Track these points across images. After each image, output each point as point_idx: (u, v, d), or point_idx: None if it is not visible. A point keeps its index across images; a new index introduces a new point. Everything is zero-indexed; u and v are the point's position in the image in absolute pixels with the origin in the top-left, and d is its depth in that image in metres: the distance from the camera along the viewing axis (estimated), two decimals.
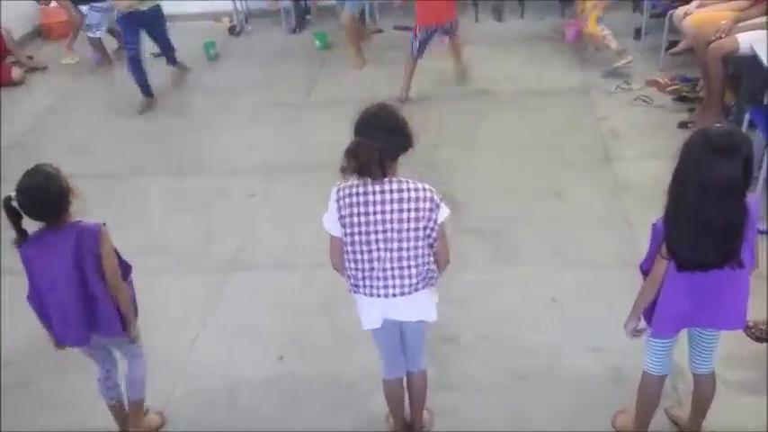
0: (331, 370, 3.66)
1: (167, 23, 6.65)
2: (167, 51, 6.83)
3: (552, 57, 6.82)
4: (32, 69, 7.58)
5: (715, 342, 2.82)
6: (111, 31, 7.30)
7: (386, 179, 2.60)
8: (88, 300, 2.87)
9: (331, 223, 2.70)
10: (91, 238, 2.81)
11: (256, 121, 6.21)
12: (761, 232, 2.66)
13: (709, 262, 2.48)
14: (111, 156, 5.83)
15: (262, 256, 4.57)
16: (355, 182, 2.62)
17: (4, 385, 3.70)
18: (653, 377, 2.89)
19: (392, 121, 2.63)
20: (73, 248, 2.78)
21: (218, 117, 6.30)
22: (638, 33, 6.91)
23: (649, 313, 2.76)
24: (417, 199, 2.60)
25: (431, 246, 2.68)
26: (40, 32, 8.44)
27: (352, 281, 2.76)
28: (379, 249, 2.65)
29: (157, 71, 6.88)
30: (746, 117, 4.60)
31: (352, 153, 2.54)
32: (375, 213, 2.61)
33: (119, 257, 2.96)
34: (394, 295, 2.71)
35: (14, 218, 2.76)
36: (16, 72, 7.31)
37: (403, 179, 2.63)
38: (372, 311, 2.81)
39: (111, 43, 7.56)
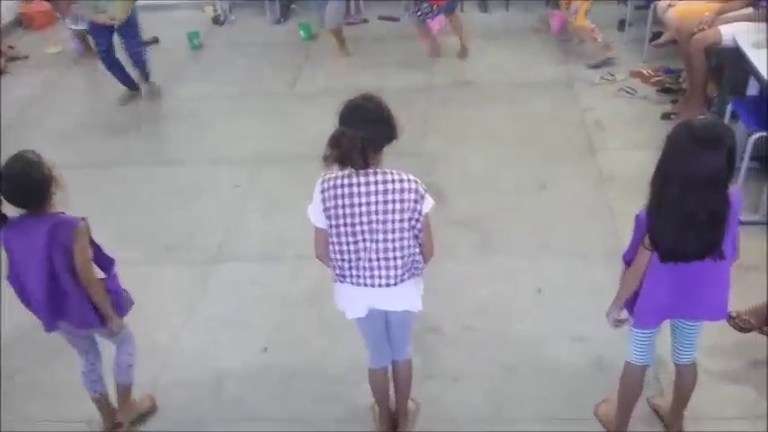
0: (317, 361, 3.67)
1: (141, 36, 6.28)
2: (139, 65, 6.35)
3: (537, 48, 6.84)
4: (13, 59, 7.50)
5: (697, 332, 2.84)
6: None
7: (371, 170, 2.60)
8: (58, 292, 2.84)
9: (316, 215, 2.69)
10: (65, 233, 2.77)
11: (241, 112, 6.18)
12: (742, 223, 2.67)
13: (691, 253, 2.50)
14: (95, 145, 5.79)
15: (247, 247, 4.56)
16: (340, 173, 2.62)
17: None
18: (635, 367, 2.91)
19: (377, 111, 2.62)
20: (45, 240, 2.75)
21: (203, 107, 6.26)
22: (622, 25, 6.94)
23: (631, 304, 2.78)
24: (402, 190, 2.60)
25: (416, 237, 2.69)
26: (21, 22, 8.35)
27: (337, 271, 2.76)
28: (365, 240, 2.65)
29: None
30: (729, 108, 4.63)
31: (334, 142, 2.53)
32: (360, 205, 2.61)
33: (100, 251, 2.93)
34: (380, 285, 2.71)
35: None
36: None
37: (388, 170, 2.63)
38: (358, 301, 2.81)
39: None
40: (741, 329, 3.43)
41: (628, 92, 5.89)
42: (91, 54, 7.22)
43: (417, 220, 2.65)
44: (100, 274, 2.95)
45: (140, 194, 5.18)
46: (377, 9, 7.87)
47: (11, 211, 2.80)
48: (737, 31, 4.82)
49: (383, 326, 2.95)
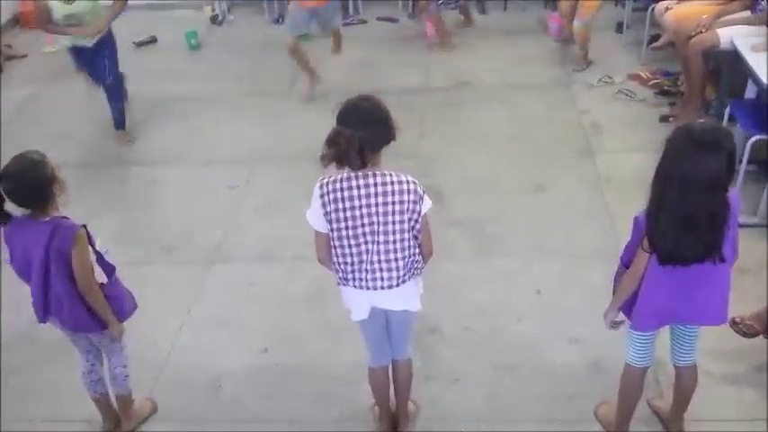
0: (315, 361, 3.67)
1: (118, 63, 5.57)
2: (115, 109, 5.69)
3: (535, 50, 6.85)
4: (11, 58, 7.49)
5: (696, 335, 2.85)
6: None
7: (369, 172, 2.60)
8: (52, 295, 2.84)
9: (315, 219, 2.68)
10: (64, 239, 2.76)
11: (239, 112, 6.17)
12: (741, 226, 2.68)
13: (690, 256, 2.50)
14: (92, 144, 5.78)
15: (245, 247, 4.56)
16: (338, 176, 2.61)
17: None
18: (635, 369, 2.92)
19: (375, 112, 2.61)
20: (45, 244, 2.75)
21: (200, 107, 6.25)
22: (620, 27, 6.95)
23: (628, 307, 2.78)
24: (402, 192, 2.60)
25: (415, 237, 2.69)
26: (19, 21, 8.33)
27: (340, 274, 2.76)
28: (366, 243, 2.65)
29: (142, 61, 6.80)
30: (727, 111, 4.65)
31: (332, 141, 2.53)
32: (360, 207, 2.61)
33: (101, 258, 2.92)
34: (382, 288, 2.72)
35: None
36: None
37: (387, 172, 2.63)
38: (361, 303, 2.82)
39: None
40: (745, 335, 3.43)
41: (626, 94, 5.91)
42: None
43: (417, 221, 2.66)
44: (102, 279, 2.94)
45: (138, 194, 5.17)
46: (375, 10, 7.87)
47: (12, 210, 2.80)
48: (735, 34, 4.83)
49: (383, 325, 2.95)
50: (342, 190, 2.61)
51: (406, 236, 2.66)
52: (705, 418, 3.18)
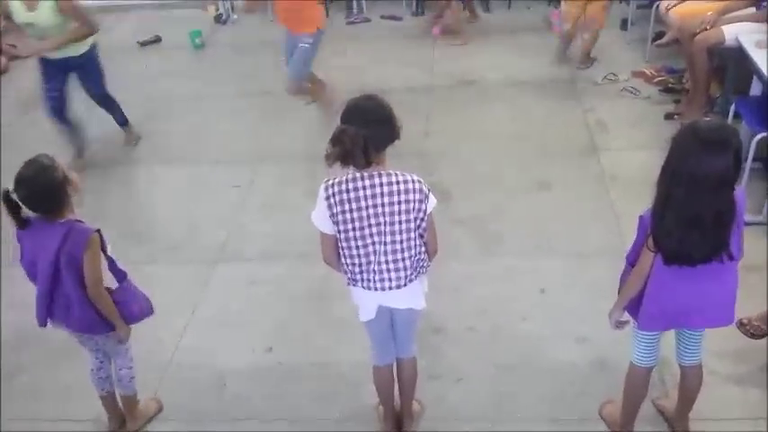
0: (320, 360, 3.67)
1: (104, 76, 5.31)
2: (109, 109, 5.55)
3: (539, 47, 6.82)
4: (15, 58, 7.48)
5: (701, 335, 2.84)
6: None
7: (375, 172, 2.59)
8: (59, 298, 2.85)
9: (321, 220, 2.67)
10: (77, 242, 2.77)
11: (242, 111, 6.17)
12: (746, 224, 2.66)
13: (696, 255, 2.49)
14: (95, 145, 5.78)
15: (249, 246, 4.56)
16: (344, 177, 2.61)
17: None
18: (640, 368, 2.91)
19: (378, 111, 2.61)
20: (57, 246, 2.76)
21: (204, 106, 6.26)
22: (624, 24, 6.94)
23: (634, 306, 2.77)
24: (407, 191, 2.60)
25: (421, 236, 2.69)
26: None
27: (349, 275, 2.76)
28: (374, 243, 2.65)
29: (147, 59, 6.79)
30: (732, 108, 4.63)
31: (336, 139, 2.51)
32: (367, 208, 2.60)
33: (113, 264, 2.93)
34: (390, 288, 2.72)
35: (14, 209, 2.73)
36: (0, 61, 7.22)
37: (392, 171, 2.62)
38: (369, 303, 2.82)
39: None
40: (752, 336, 3.42)
41: (630, 92, 5.89)
42: None
43: (423, 220, 2.65)
44: (113, 284, 2.95)
45: (141, 194, 5.18)
46: (379, 8, 7.86)
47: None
48: (740, 31, 4.82)
49: (389, 323, 2.95)
50: (348, 191, 2.60)
51: (413, 235, 2.65)
52: (710, 417, 3.17)
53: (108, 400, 3.30)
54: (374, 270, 2.69)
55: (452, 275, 4.01)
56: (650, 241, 2.54)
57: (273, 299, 4.11)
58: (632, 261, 2.72)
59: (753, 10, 5.02)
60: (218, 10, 8.15)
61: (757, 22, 4.84)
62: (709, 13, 5.07)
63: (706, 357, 2.96)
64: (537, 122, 5.61)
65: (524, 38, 7.06)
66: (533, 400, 3.38)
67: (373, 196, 2.59)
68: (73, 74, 5.15)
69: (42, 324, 2.95)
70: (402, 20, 7.70)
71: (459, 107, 5.92)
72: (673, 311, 2.70)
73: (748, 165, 4.19)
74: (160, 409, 3.45)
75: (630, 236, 2.72)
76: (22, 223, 2.78)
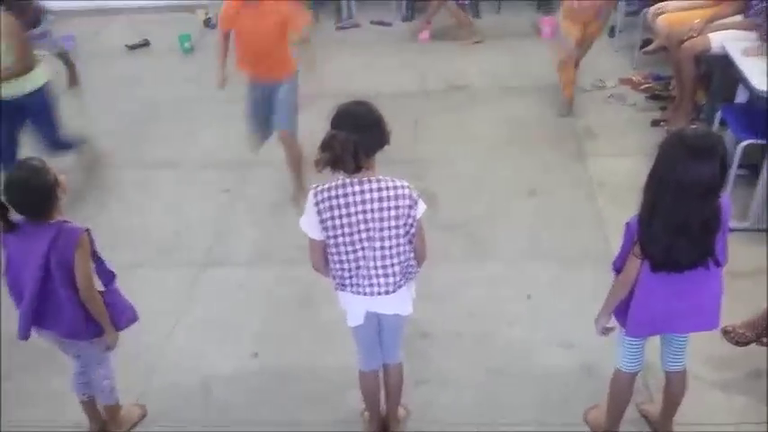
0: (306, 365, 3.67)
1: (57, 120, 4.76)
2: (65, 148, 4.91)
3: (528, 53, 6.85)
4: None
5: (686, 341, 2.86)
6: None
7: (364, 178, 2.59)
8: (47, 301, 2.82)
9: (310, 226, 2.67)
10: (67, 243, 2.75)
11: (232, 115, 6.12)
12: (731, 230, 2.68)
13: (683, 262, 2.51)
14: (85, 148, 5.74)
15: (237, 250, 4.55)
16: (333, 183, 2.61)
17: None
18: (625, 374, 2.92)
19: (368, 117, 2.61)
20: (46, 248, 2.74)
21: (193, 110, 6.25)
22: (612, 31, 6.96)
23: (620, 312, 2.78)
24: (397, 197, 2.60)
25: (410, 242, 2.69)
26: None
27: (338, 280, 2.76)
28: (363, 249, 2.65)
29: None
30: (717, 116, 4.67)
31: (326, 145, 2.51)
32: (357, 213, 2.60)
33: (101, 264, 2.92)
34: (379, 293, 2.73)
35: (1, 212, 2.72)
36: None
37: (381, 177, 2.62)
38: (357, 308, 2.82)
39: None
40: (737, 343, 3.44)
41: (618, 99, 5.92)
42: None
43: (411, 226, 2.65)
44: (99, 287, 2.93)
45: (130, 197, 5.15)
46: (369, 14, 7.87)
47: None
48: (727, 39, 4.85)
49: (375, 329, 2.95)
50: (337, 197, 2.60)
51: (402, 241, 2.66)
52: (694, 422, 3.19)
53: (89, 405, 3.27)
54: (363, 276, 2.69)
55: (440, 280, 4.02)
56: (637, 248, 2.55)
57: (261, 304, 4.10)
58: (619, 268, 2.73)
59: (740, 18, 5.06)
60: (207, 14, 8.12)
61: (744, 29, 4.89)
62: (696, 21, 5.11)
63: (691, 363, 2.98)
64: (525, 128, 5.63)
65: (513, 43, 7.09)
66: (519, 404, 3.39)
67: (363, 202, 2.59)
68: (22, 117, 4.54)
69: (24, 337, 2.91)
70: (392, 25, 7.71)
71: (448, 113, 5.93)
72: (660, 317, 2.71)
73: (733, 171, 4.22)
74: (144, 415, 3.43)
75: (617, 242, 2.73)
76: (10, 226, 2.76)
